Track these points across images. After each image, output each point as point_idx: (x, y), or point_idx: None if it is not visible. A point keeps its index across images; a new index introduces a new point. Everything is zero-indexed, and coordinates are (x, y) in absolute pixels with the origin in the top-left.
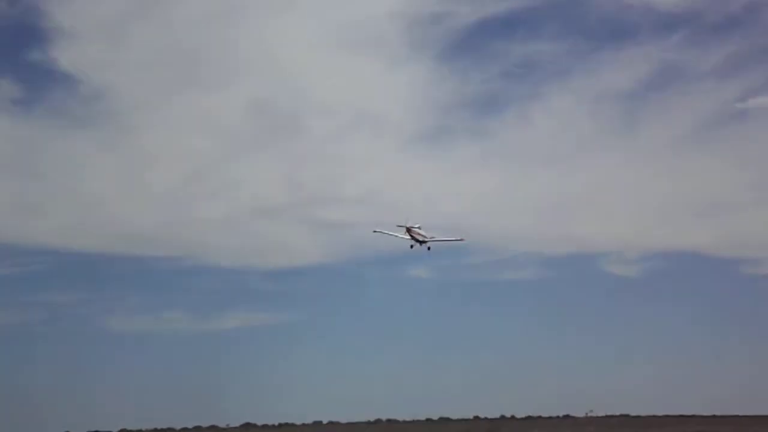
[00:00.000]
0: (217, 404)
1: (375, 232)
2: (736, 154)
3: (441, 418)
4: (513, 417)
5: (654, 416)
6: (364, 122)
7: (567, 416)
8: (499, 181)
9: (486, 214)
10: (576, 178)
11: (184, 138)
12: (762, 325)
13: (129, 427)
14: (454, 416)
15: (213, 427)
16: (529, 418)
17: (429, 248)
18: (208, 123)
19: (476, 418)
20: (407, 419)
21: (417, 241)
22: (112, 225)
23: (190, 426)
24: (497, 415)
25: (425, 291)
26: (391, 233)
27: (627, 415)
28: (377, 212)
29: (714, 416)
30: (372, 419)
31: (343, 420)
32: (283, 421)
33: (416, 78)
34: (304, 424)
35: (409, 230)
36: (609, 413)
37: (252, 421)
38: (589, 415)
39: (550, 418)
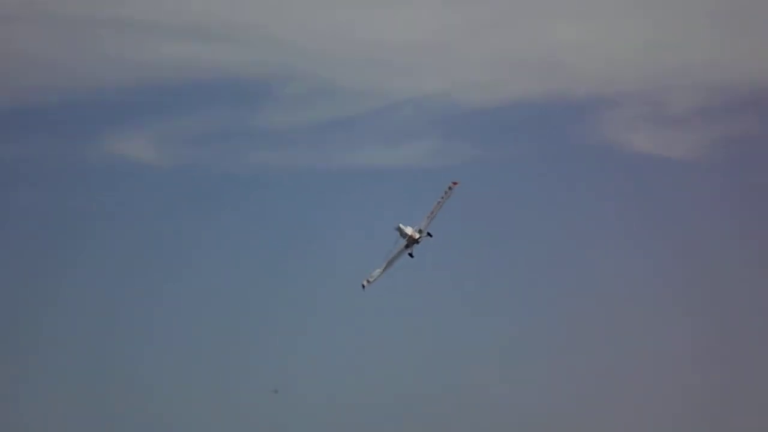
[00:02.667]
0: None
1: (364, 286)
2: None
3: None
4: None
5: None
6: None
7: None
8: None
9: (363, 14)
10: None
11: None
12: None
13: None
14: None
15: None
16: None
17: (430, 234)
18: None
19: None
20: None
21: (415, 241)
22: None
23: None
24: None
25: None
26: (381, 269)
27: None
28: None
29: None
30: None
31: None
32: None
33: None
34: None
35: (411, 238)
36: None
37: None
38: None
39: None
